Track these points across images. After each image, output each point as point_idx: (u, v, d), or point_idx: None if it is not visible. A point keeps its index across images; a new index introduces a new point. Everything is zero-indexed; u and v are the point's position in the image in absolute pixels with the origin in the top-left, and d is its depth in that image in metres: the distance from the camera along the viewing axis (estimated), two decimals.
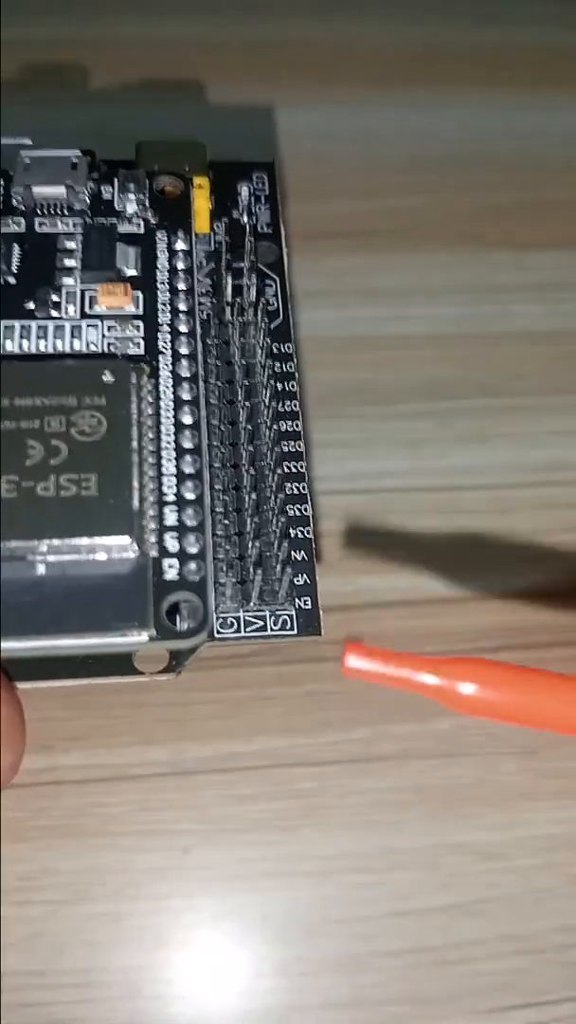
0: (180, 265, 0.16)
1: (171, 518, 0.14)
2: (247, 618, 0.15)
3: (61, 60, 0.26)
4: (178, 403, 0.14)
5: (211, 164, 0.18)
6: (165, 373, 0.15)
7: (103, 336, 0.15)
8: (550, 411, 0.22)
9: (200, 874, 0.17)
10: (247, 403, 0.16)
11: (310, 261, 0.23)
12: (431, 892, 0.17)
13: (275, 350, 0.17)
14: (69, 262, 0.16)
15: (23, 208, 0.16)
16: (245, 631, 0.15)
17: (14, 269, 0.15)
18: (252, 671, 0.19)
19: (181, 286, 0.16)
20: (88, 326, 0.15)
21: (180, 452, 0.14)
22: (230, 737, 0.18)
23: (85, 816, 0.17)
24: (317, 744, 0.18)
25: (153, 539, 0.13)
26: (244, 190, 0.18)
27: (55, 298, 0.15)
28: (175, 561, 0.13)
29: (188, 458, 0.14)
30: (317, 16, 0.29)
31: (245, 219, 0.18)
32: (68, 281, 0.15)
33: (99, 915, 0.17)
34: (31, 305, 0.15)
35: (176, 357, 0.15)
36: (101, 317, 0.15)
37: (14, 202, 0.16)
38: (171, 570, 0.13)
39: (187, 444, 0.14)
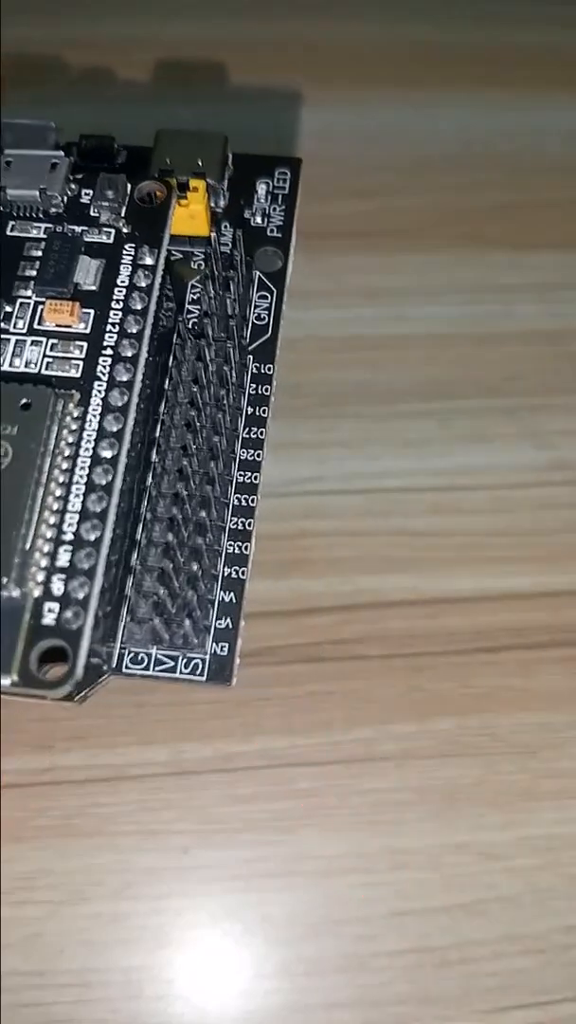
0: (142, 282, 0.15)
1: (63, 558, 0.13)
2: (159, 656, 0.14)
3: (61, 60, 0.26)
4: (101, 435, 0.14)
5: (234, 157, 0.17)
6: (96, 401, 0.14)
7: (43, 356, 0.14)
8: (550, 411, 0.22)
9: (200, 874, 0.17)
10: (208, 426, 0.15)
11: (310, 261, 0.23)
12: (432, 892, 0.17)
13: (255, 370, 0.16)
14: (30, 271, 0.15)
15: (1, 209, 0.15)
16: (154, 669, 0.14)
17: None
18: (251, 671, 0.19)
19: (136, 306, 0.14)
20: (32, 343, 0.14)
21: (90, 488, 0.13)
22: (229, 737, 0.18)
23: (84, 816, 0.17)
24: (317, 744, 0.18)
25: (41, 578, 0.13)
26: (262, 188, 0.17)
27: (8, 309, 0.15)
28: (56, 605, 0.13)
29: (95, 495, 0.13)
30: (317, 16, 0.29)
31: (259, 220, 0.17)
32: (26, 292, 0.15)
33: (98, 915, 0.17)
34: None
35: (112, 384, 0.14)
36: (47, 334, 0.14)
37: None
38: (50, 615, 0.13)
39: (99, 480, 0.13)
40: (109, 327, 0.14)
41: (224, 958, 0.17)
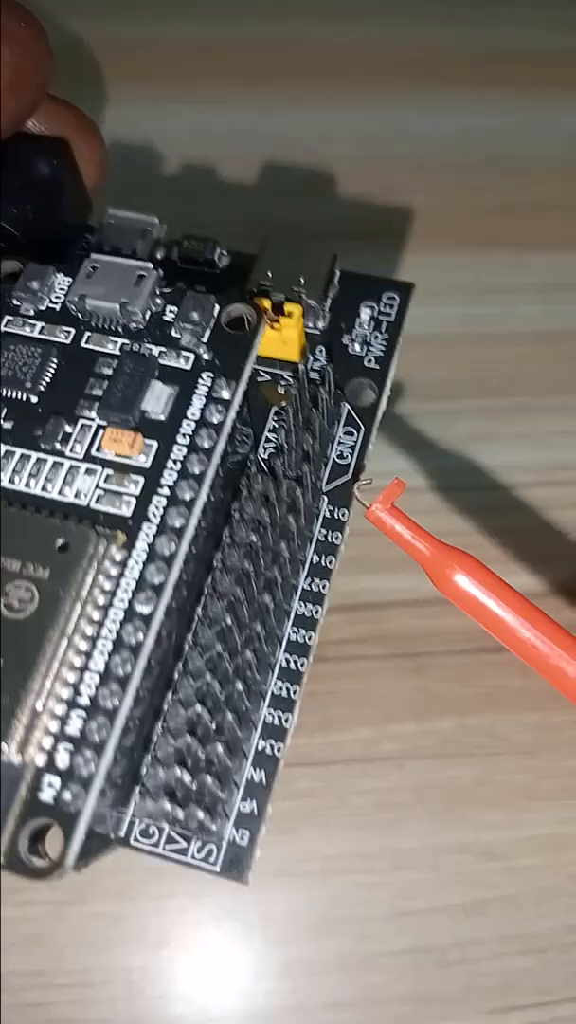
0: (214, 418, 0.13)
1: (75, 724, 0.11)
2: (171, 833, 0.13)
3: (63, 61, 0.26)
4: (140, 586, 0.12)
5: (340, 275, 0.16)
6: (141, 545, 0.12)
7: (96, 487, 0.13)
8: (550, 411, 0.22)
9: (201, 874, 0.17)
10: (262, 578, 0.14)
11: None
12: (432, 892, 0.17)
13: (328, 514, 0.14)
14: (98, 391, 0.13)
15: (79, 316, 0.14)
16: (163, 847, 0.13)
17: (41, 386, 0.13)
18: None
19: (204, 444, 0.13)
20: (86, 471, 0.13)
21: (117, 646, 0.12)
22: None
23: None
24: (317, 744, 0.18)
25: (47, 744, 0.11)
26: (366, 313, 0.16)
27: (68, 429, 0.13)
28: (57, 780, 0.11)
29: (121, 656, 0.12)
30: (318, 17, 0.29)
31: (357, 348, 0.16)
32: (89, 413, 0.13)
33: (100, 915, 0.17)
34: (39, 432, 0.13)
35: (162, 530, 0.12)
36: (104, 463, 0.13)
37: (71, 308, 0.14)
38: (49, 790, 0.11)
39: (129, 639, 0.12)
40: (170, 464, 0.13)
41: (225, 958, 0.17)
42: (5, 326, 0.14)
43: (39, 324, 0.14)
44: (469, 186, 0.25)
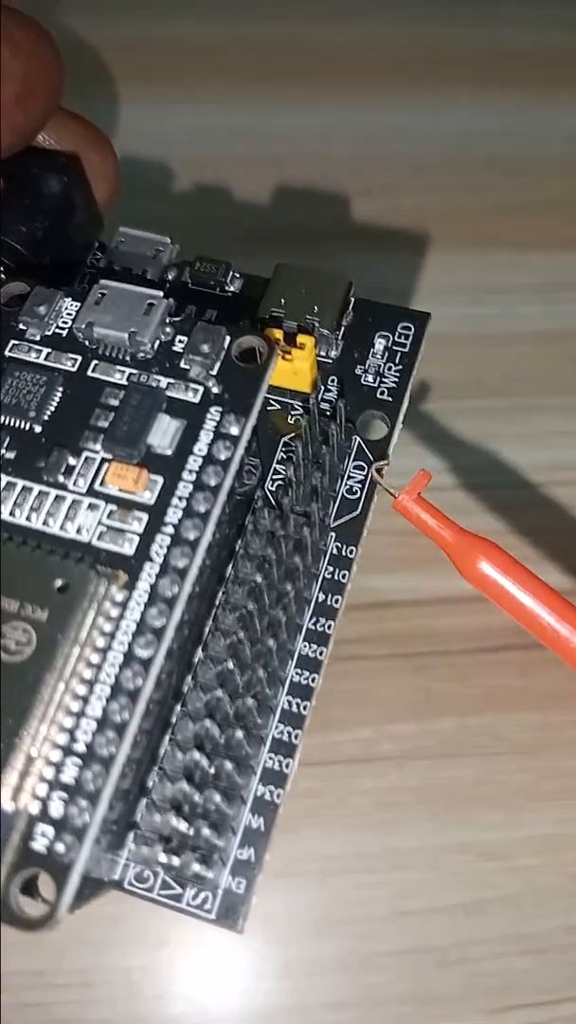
0: (221, 455, 0.12)
1: (70, 772, 0.11)
2: (165, 878, 0.13)
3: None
4: (140, 629, 0.12)
5: (355, 302, 0.15)
6: (143, 586, 0.12)
7: (98, 523, 0.12)
8: (550, 411, 0.22)
9: None
10: (271, 613, 0.13)
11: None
12: (432, 892, 0.17)
13: (335, 551, 0.14)
14: (103, 422, 0.13)
15: (86, 344, 0.14)
16: (158, 892, 0.13)
17: (45, 416, 0.13)
18: None
19: (210, 481, 0.12)
20: (89, 507, 0.12)
21: (115, 692, 0.11)
22: None
23: None
24: (317, 744, 0.18)
25: (42, 792, 0.11)
26: (380, 343, 0.15)
27: (71, 462, 0.13)
28: (51, 830, 0.11)
29: (119, 702, 0.11)
30: (318, 17, 0.29)
31: (370, 379, 0.15)
32: (94, 446, 0.13)
33: (100, 915, 0.17)
34: (42, 464, 0.13)
35: (165, 570, 0.12)
36: (107, 498, 0.12)
37: (78, 335, 0.14)
38: (42, 839, 0.11)
39: (128, 684, 0.11)
40: (175, 501, 0.12)
41: (225, 958, 0.17)
42: (10, 351, 0.13)
43: (45, 350, 0.13)
44: (469, 186, 0.25)
